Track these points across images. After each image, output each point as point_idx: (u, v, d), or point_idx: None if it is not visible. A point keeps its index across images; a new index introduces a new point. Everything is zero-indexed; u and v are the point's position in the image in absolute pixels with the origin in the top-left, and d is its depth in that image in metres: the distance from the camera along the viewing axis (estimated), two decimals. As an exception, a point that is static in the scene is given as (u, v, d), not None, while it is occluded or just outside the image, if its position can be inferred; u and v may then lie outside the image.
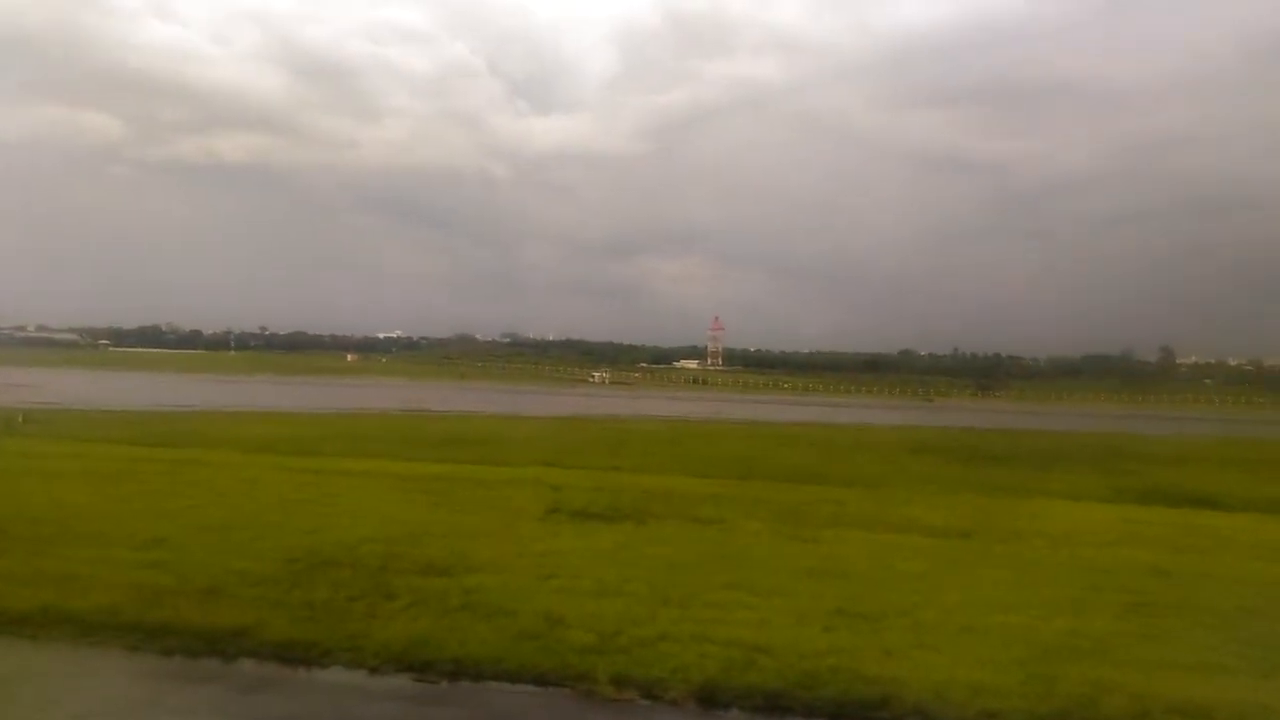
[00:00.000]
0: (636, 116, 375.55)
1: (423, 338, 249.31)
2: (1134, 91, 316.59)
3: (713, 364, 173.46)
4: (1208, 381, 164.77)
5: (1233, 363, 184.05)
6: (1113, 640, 9.03)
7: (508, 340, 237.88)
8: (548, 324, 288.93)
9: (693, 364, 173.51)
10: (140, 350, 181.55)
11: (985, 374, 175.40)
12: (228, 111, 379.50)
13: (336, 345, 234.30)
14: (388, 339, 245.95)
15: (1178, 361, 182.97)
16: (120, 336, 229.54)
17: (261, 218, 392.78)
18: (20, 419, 33.08)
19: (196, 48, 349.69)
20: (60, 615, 9.01)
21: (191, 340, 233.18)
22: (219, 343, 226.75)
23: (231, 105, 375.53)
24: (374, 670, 7.95)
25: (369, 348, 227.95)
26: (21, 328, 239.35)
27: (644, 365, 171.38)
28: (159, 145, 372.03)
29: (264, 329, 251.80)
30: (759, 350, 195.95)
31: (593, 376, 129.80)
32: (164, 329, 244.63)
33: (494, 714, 7.24)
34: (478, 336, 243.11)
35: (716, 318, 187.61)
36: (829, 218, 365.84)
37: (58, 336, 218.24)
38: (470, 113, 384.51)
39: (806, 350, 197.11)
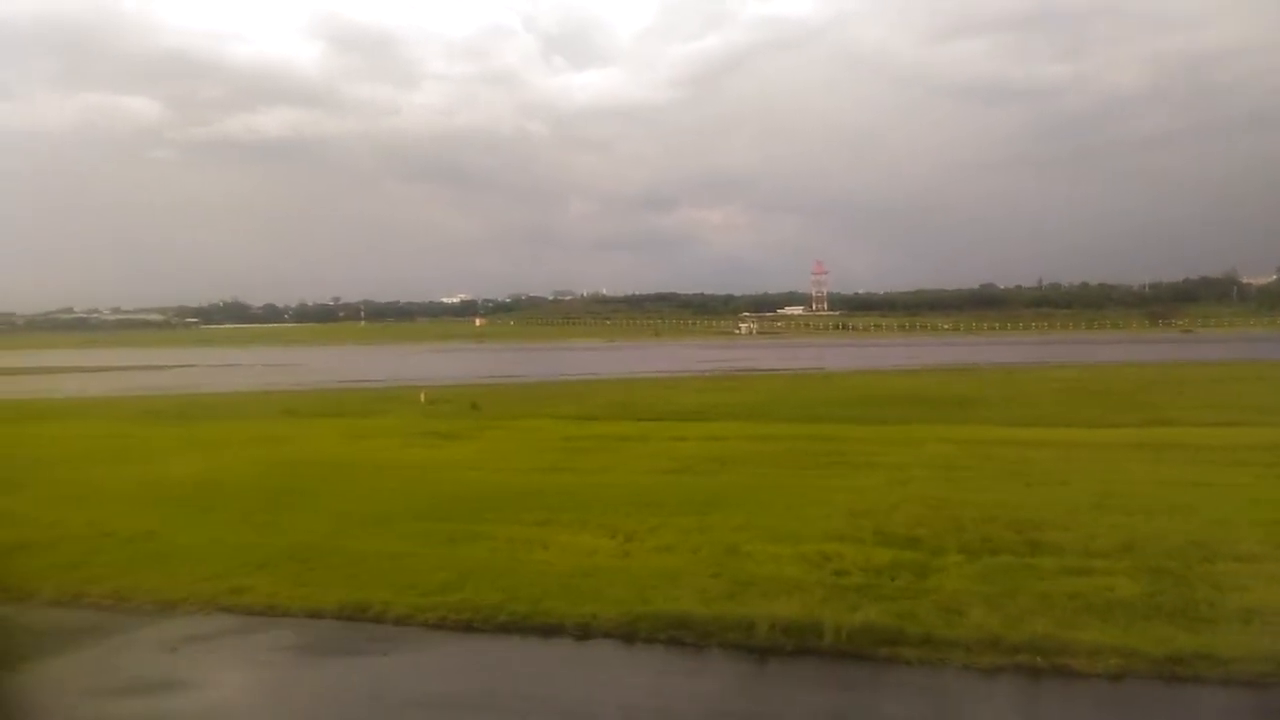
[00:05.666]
0: (671, 65, 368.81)
1: (485, 299, 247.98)
2: (1175, 4, 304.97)
3: (818, 309, 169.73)
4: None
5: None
6: None
7: (569, 298, 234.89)
8: (596, 279, 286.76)
9: (798, 310, 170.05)
10: (242, 326, 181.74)
11: (1091, 304, 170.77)
12: (268, 87, 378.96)
13: (414, 311, 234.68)
14: (465, 303, 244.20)
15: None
16: (204, 315, 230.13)
17: (309, 190, 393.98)
18: (423, 398, 31.77)
19: (233, 25, 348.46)
20: None
21: (276, 314, 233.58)
22: (312, 315, 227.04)
23: (271, 80, 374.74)
24: None
25: (439, 311, 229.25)
26: (95, 311, 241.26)
27: (747, 314, 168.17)
28: (201, 125, 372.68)
29: (337, 299, 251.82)
30: (835, 292, 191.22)
31: (739, 328, 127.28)
32: (239, 305, 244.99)
33: None
34: (534, 294, 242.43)
35: (819, 262, 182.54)
36: (873, 156, 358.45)
37: (147, 318, 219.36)
38: (508, 72, 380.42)
39: (883, 290, 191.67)
